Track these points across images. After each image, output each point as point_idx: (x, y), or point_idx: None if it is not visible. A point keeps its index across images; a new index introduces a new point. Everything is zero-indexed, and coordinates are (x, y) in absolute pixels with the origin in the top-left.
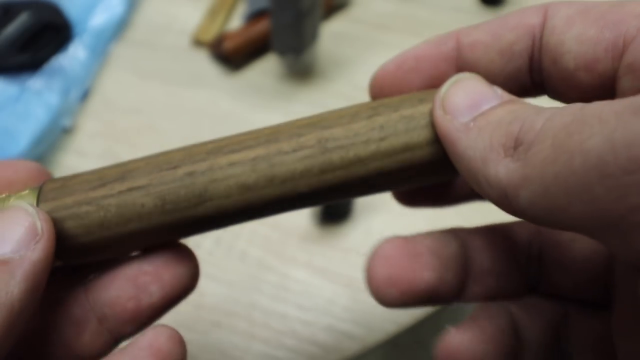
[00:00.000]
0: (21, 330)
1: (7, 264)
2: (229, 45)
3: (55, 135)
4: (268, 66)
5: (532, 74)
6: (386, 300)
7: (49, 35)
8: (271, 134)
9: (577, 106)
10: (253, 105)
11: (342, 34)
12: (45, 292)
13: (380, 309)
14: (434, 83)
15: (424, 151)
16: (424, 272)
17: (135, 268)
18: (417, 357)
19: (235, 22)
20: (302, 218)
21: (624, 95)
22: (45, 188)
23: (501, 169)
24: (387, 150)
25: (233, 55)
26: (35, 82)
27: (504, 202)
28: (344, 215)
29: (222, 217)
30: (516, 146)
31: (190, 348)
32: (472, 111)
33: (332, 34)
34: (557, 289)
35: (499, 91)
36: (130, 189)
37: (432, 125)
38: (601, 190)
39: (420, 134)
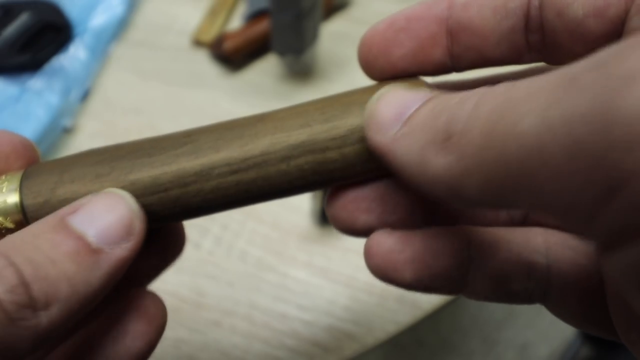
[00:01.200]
0: (79, 317)
1: (97, 254)
2: (229, 45)
3: (55, 135)
4: (268, 66)
5: (527, 34)
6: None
7: (50, 36)
8: (260, 156)
9: (502, 86)
10: (253, 105)
11: (342, 34)
12: None
13: (381, 309)
14: (424, 44)
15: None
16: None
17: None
18: (417, 357)
19: (235, 22)
20: (302, 218)
21: (632, 34)
22: (25, 182)
23: (439, 164)
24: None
25: (233, 56)
26: (36, 82)
27: (453, 197)
28: None
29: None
30: (447, 138)
31: (190, 348)
32: (399, 120)
33: (332, 34)
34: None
35: (422, 92)
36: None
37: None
38: (545, 175)
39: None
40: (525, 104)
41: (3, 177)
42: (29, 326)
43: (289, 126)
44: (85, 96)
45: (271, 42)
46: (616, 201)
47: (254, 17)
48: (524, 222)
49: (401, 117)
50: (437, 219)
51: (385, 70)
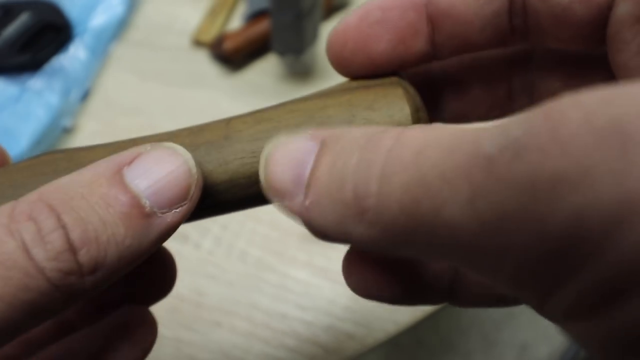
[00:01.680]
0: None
1: (148, 220)
2: (229, 45)
3: (55, 135)
4: (268, 66)
5: (511, 19)
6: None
7: (50, 36)
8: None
9: (408, 159)
10: (253, 105)
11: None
12: None
13: (381, 309)
14: (403, 35)
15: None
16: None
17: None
18: (417, 357)
19: (236, 22)
20: None
21: (618, 24)
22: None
23: (362, 234)
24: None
25: (233, 56)
26: (36, 82)
27: (381, 252)
28: None
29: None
30: (362, 212)
31: (190, 348)
32: (299, 185)
33: None
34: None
35: (307, 136)
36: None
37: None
38: (474, 255)
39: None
40: (443, 189)
41: None
42: (71, 291)
43: (259, 149)
44: (85, 96)
45: (271, 42)
46: (561, 290)
47: (254, 17)
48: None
49: (300, 179)
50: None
51: (363, 66)
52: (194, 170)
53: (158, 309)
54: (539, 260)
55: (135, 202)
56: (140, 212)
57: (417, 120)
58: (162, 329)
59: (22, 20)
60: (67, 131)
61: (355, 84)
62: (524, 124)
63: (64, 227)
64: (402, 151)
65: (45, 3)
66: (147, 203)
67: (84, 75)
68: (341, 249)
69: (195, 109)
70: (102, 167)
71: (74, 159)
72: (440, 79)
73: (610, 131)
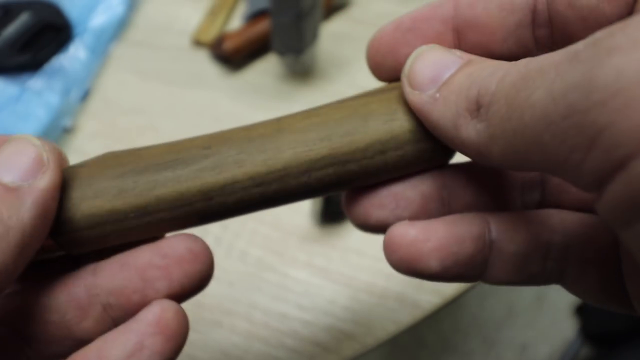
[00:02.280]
0: (30, 257)
1: (17, 191)
2: (229, 45)
3: (55, 135)
4: (268, 66)
5: (534, 29)
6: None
7: (50, 36)
8: (281, 170)
9: (523, 62)
10: (253, 105)
11: (342, 34)
12: (52, 273)
13: (381, 309)
14: (430, 42)
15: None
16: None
17: (146, 259)
18: (417, 357)
19: (236, 22)
20: (302, 218)
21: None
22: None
23: (471, 131)
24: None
25: (233, 56)
26: (36, 82)
27: (481, 159)
28: (344, 215)
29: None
30: (478, 108)
31: (190, 348)
32: (435, 82)
33: (332, 34)
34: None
35: (458, 54)
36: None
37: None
38: (548, 137)
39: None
40: (538, 79)
41: None
42: None
43: (310, 140)
44: (85, 96)
45: (271, 42)
46: (596, 148)
47: (254, 17)
48: (540, 205)
49: (438, 79)
50: (450, 210)
51: (394, 69)
52: (36, 141)
53: None
54: (589, 120)
55: (0, 186)
56: (5, 189)
57: None
58: None
59: (22, 20)
60: (67, 131)
61: (393, 85)
62: (605, 30)
63: None
64: (519, 63)
65: (45, 3)
66: (9, 181)
67: (84, 75)
68: (341, 250)
69: (195, 109)
70: None
71: (134, 153)
72: None
73: None
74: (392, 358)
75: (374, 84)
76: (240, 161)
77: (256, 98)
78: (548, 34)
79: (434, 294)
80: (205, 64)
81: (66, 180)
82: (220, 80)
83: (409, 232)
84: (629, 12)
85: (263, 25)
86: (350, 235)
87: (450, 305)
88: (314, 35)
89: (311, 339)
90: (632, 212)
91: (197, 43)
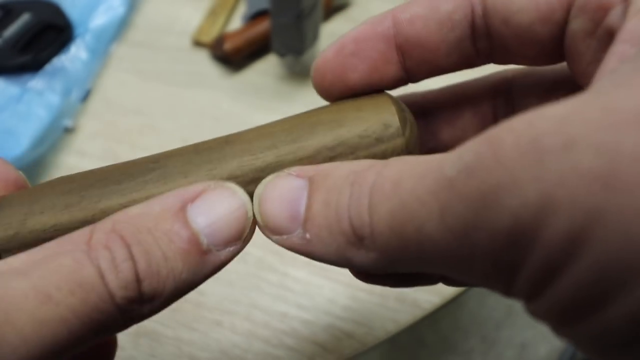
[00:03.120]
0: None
1: (204, 256)
2: (229, 45)
3: (56, 135)
4: (268, 67)
5: (475, 42)
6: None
7: (50, 36)
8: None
9: (387, 189)
10: (253, 106)
11: (342, 35)
12: None
13: (381, 309)
14: (376, 64)
15: None
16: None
17: None
18: (417, 357)
19: (236, 22)
20: None
21: (573, 38)
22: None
23: (365, 259)
24: None
25: (233, 56)
26: (37, 83)
27: (374, 271)
28: None
29: None
30: (360, 240)
31: (191, 347)
32: (295, 220)
33: (332, 34)
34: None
35: (294, 174)
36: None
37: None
38: (462, 266)
39: None
40: (420, 210)
41: None
42: (131, 315)
43: (256, 148)
44: (86, 96)
45: (271, 42)
46: (516, 280)
47: (254, 17)
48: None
49: (295, 217)
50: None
51: (343, 93)
52: (250, 213)
53: None
54: (496, 257)
55: (195, 239)
56: (198, 249)
57: (403, 118)
58: (162, 328)
59: (23, 20)
60: (68, 131)
61: (343, 101)
62: (473, 149)
63: (132, 258)
64: (384, 183)
65: (46, 3)
66: (205, 241)
67: (84, 75)
68: None
69: (196, 109)
70: (169, 201)
71: (87, 173)
72: (433, 110)
73: (531, 147)
74: (392, 357)
75: None
76: (185, 172)
77: (256, 98)
78: (488, 46)
79: (433, 293)
80: (205, 64)
81: (16, 198)
82: (220, 80)
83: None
84: (560, 33)
85: (263, 26)
86: None
87: (450, 305)
88: (314, 36)
89: (311, 338)
90: (569, 316)
91: (198, 43)
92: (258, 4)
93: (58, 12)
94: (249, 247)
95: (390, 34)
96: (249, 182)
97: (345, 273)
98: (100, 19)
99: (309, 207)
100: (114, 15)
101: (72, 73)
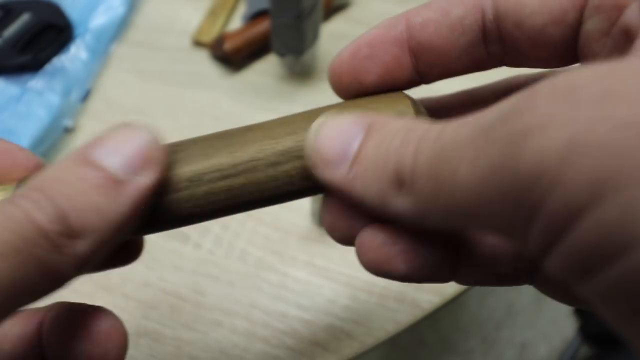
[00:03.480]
0: (110, 250)
1: (121, 185)
2: (229, 45)
3: (56, 135)
4: (268, 67)
5: (487, 46)
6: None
7: (50, 36)
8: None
9: (433, 132)
10: (253, 106)
11: (342, 35)
12: None
13: (380, 308)
14: (389, 67)
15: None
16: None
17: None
18: (417, 357)
19: (236, 22)
20: (301, 218)
21: (587, 39)
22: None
23: (400, 205)
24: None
25: (233, 56)
26: (37, 83)
27: (415, 224)
28: None
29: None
30: (400, 184)
31: (190, 347)
32: (345, 157)
33: (332, 34)
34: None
35: (357, 120)
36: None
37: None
38: (485, 213)
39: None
40: (456, 155)
41: None
42: (69, 253)
43: (277, 134)
44: (86, 96)
45: (271, 42)
46: (536, 221)
47: (254, 17)
48: None
49: (347, 153)
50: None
51: (359, 93)
52: (152, 137)
53: (159, 309)
54: (518, 197)
55: (105, 173)
56: (111, 180)
57: (417, 110)
58: (162, 329)
59: (23, 20)
60: (68, 131)
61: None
62: (511, 100)
63: (53, 200)
64: (431, 132)
65: (46, 3)
66: (118, 172)
67: (84, 75)
68: (341, 249)
69: (196, 109)
70: (71, 155)
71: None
72: (447, 114)
73: (566, 94)
74: (392, 357)
75: None
76: (207, 154)
77: (256, 98)
78: (500, 50)
79: (433, 293)
80: (205, 64)
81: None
82: (220, 80)
83: (377, 236)
84: (573, 34)
85: (263, 26)
86: None
87: (450, 305)
88: (314, 36)
89: (311, 338)
90: (584, 269)
91: (198, 43)
92: (258, 4)
93: (58, 12)
94: (249, 247)
95: (403, 37)
96: (270, 165)
97: (345, 273)
98: (100, 19)
99: (361, 146)
100: (114, 15)
101: (72, 73)
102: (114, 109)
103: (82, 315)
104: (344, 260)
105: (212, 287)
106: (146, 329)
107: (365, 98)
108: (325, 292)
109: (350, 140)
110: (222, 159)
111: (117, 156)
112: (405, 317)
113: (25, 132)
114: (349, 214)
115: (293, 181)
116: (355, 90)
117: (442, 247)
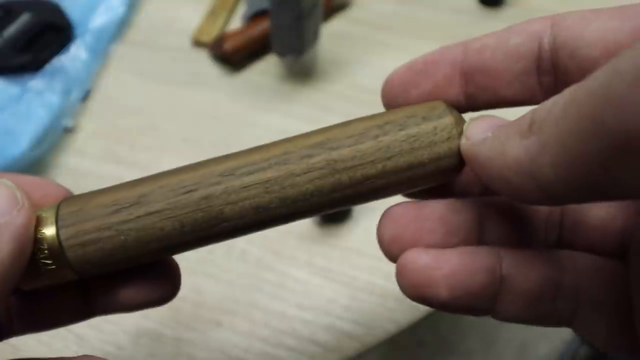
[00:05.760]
0: (9, 291)
1: None
2: (229, 45)
3: (56, 135)
4: (268, 67)
5: (539, 76)
6: (393, 258)
7: (50, 36)
8: (281, 155)
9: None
10: (253, 106)
11: (342, 35)
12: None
13: (381, 309)
14: (439, 84)
15: (426, 168)
16: (427, 235)
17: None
18: (417, 357)
19: (236, 22)
20: None
21: None
22: (62, 212)
23: (520, 150)
24: (392, 169)
25: (233, 56)
26: (37, 83)
27: (529, 185)
28: (344, 216)
29: (236, 232)
30: (530, 125)
31: (190, 347)
32: (491, 129)
33: (332, 34)
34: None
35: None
36: (148, 214)
37: (434, 143)
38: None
39: (424, 154)
40: (570, 117)
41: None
42: None
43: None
44: (86, 96)
45: (271, 42)
46: None
47: (254, 17)
48: (558, 244)
49: (493, 126)
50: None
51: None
52: (9, 183)
53: (158, 309)
54: (607, 157)
55: None
56: None
57: (451, 108)
58: (162, 328)
59: (23, 20)
60: (68, 131)
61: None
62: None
63: None
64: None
65: (46, 3)
66: None
67: (84, 75)
68: (341, 249)
69: (196, 109)
70: None
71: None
72: None
73: None
74: (392, 358)
75: (374, 84)
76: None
77: (256, 98)
78: (552, 81)
79: None
80: (205, 64)
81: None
82: (220, 80)
83: (421, 258)
84: None
85: (263, 26)
86: (350, 235)
87: None
88: (314, 36)
89: (311, 338)
90: None
91: (198, 43)
92: (258, 4)
93: (58, 12)
94: (249, 247)
95: (458, 60)
96: (303, 157)
97: (345, 273)
98: (100, 19)
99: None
100: (114, 15)
101: (72, 73)
102: (114, 108)
103: None
104: (344, 261)
105: (211, 286)
106: (146, 329)
107: (404, 107)
108: (325, 292)
109: (499, 122)
110: (247, 158)
111: None
112: (405, 317)
113: (25, 132)
114: (413, 226)
115: (335, 193)
116: (403, 102)
117: (488, 277)
